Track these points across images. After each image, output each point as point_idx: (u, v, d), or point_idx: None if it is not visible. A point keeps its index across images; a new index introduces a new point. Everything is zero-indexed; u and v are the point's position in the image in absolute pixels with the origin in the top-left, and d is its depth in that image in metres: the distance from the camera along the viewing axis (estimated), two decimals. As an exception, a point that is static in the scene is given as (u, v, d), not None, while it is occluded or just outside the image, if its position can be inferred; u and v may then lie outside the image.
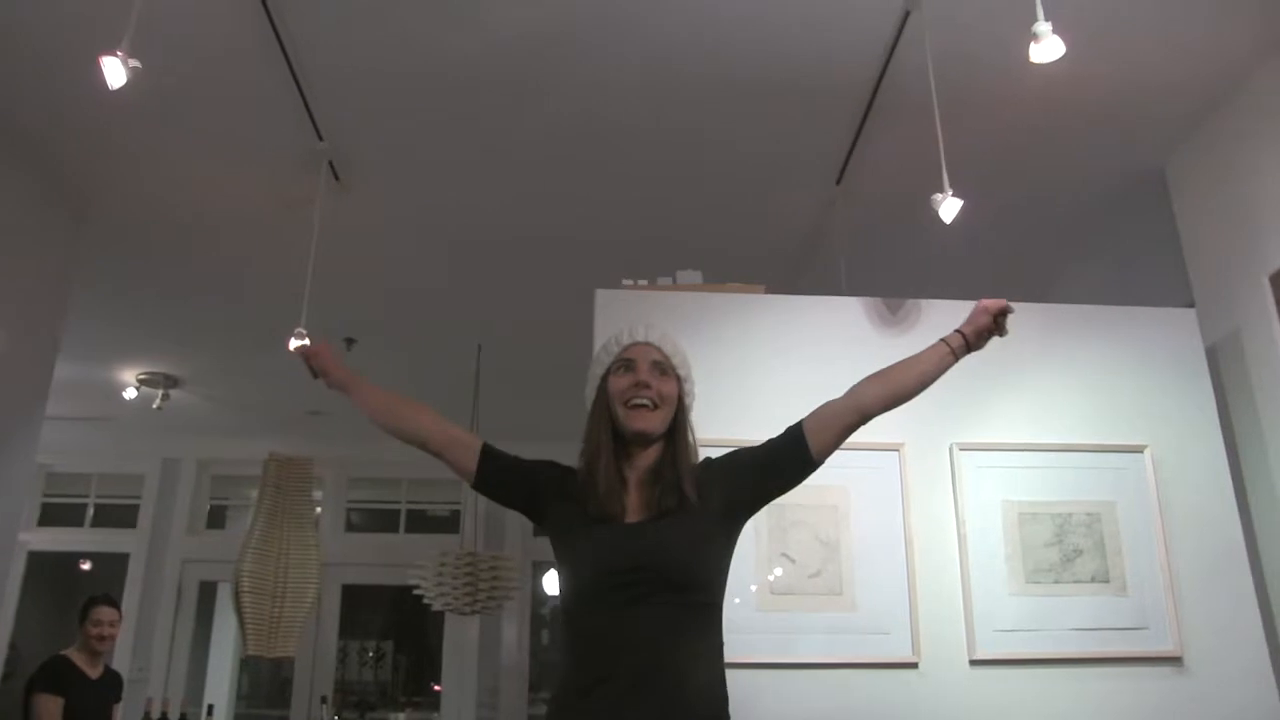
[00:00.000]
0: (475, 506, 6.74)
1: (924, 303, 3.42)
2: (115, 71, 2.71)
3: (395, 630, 8.01)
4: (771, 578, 3.00)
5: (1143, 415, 3.35)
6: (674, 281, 3.40)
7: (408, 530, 7.76)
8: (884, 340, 3.31)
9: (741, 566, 2.99)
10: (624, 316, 3.27)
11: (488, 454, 2.13)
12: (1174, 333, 3.49)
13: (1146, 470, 3.27)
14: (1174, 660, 3.09)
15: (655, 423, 2.05)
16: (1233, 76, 3.59)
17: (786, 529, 3.06)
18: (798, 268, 4.79)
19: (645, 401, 2.05)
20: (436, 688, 7.33)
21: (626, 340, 2.14)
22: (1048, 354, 3.41)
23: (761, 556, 3.04)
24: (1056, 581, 3.15)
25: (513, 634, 7.26)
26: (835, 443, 2.09)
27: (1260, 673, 3.10)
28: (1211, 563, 3.21)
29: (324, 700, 6.00)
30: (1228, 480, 3.32)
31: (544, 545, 7.46)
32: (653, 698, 1.86)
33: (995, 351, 3.33)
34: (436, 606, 5.33)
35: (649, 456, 2.07)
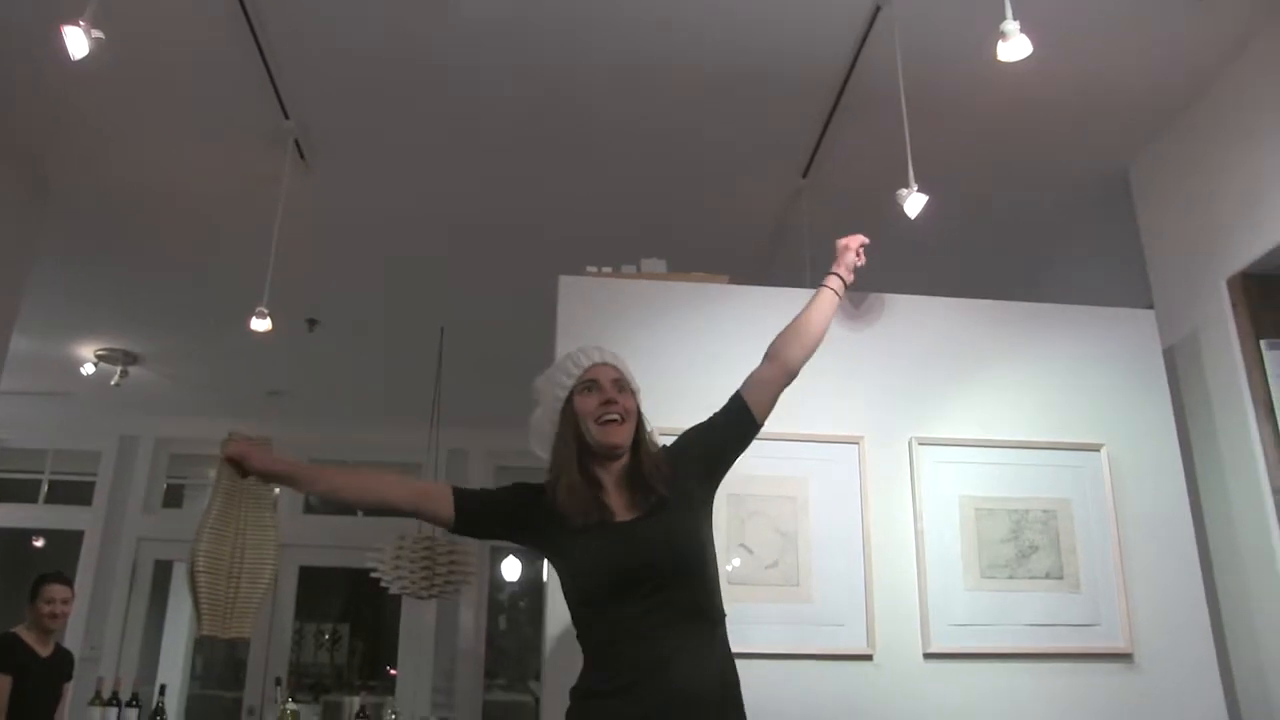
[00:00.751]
0: (436, 491, 6.71)
1: (887, 297, 3.43)
2: (78, 41, 2.66)
3: (352, 613, 7.97)
4: (729, 568, 3.01)
5: (1100, 414, 3.38)
6: (638, 270, 3.39)
7: (366, 513, 7.70)
8: (846, 333, 3.32)
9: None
10: (587, 303, 3.27)
11: (461, 496, 2.22)
12: (1133, 333, 3.52)
13: (1102, 469, 3.30)
14: (1124, 657, 3.12)
15: (625, 435, 2.21)
16: (1197, 81, 3.63)
17: (745, 519, 3.06)
18: (763, 259, 4.80)
19: (615, 416, 2.20)
20: (392, 671, 7.30)
21: (585, 363, 2.28)
22: (1007, 351, 3.44)
23: (719, 546, 3.04)
24: (1011, 577, 3.17)
25: (470, 619, 7.24)
26: (772, 404, 2.36)
27: (1207, 670, 3.14)
28: (1163, 562, 3.24)
29: (278, 682, 5.96)
30: (1181, 481, 3.36)
31: (504, 531, 7.48)
32: (677, 687, 1.99)
33: (956, 347, 3.39)
34: (393, 590, 5.31)
35: (619, 464, 2.22)
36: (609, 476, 2.21)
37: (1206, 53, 3.49)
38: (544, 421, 2.31)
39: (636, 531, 2.11)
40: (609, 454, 2.21)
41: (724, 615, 2.17)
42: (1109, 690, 3.09)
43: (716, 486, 2.32)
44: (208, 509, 5.79)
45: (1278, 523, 3.22)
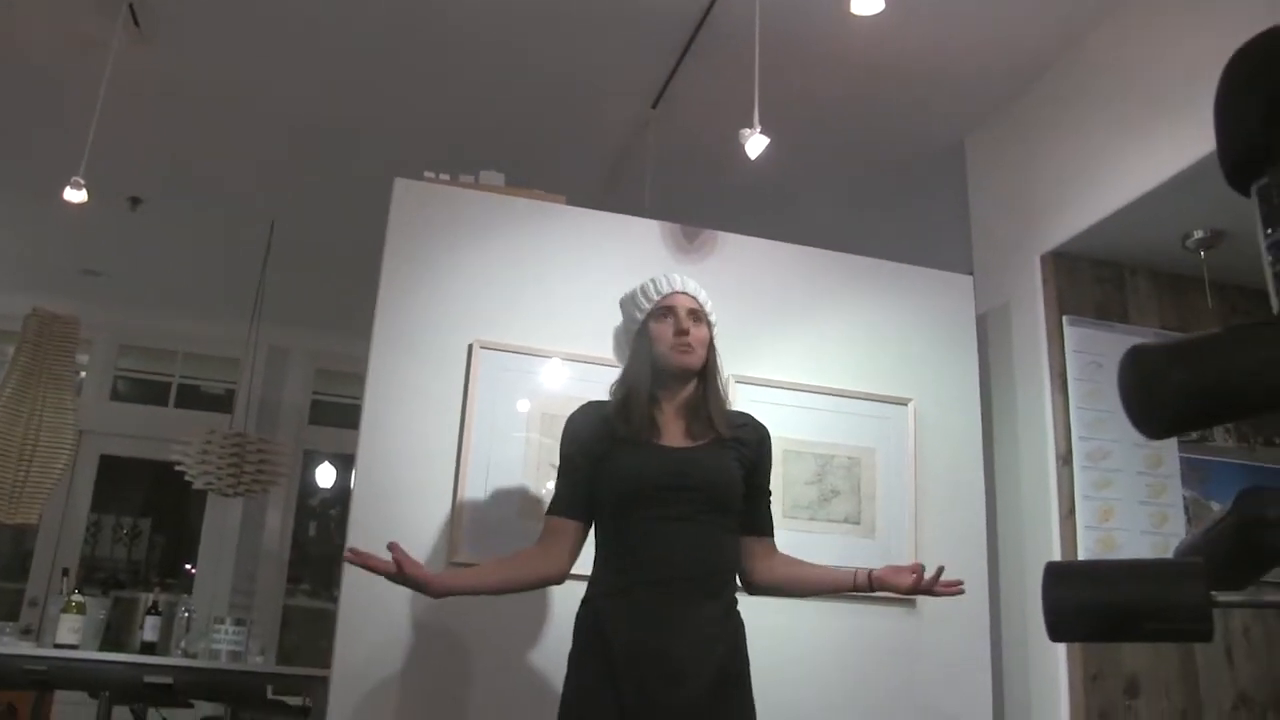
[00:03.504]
0: (250, 387, 6.51)
1: (720, 234, 3.46)
2: None
3: (155, 508, 7.68)
4: (544, 491, 3.01)
5: (911, 370, 3.52)
6: (476, 180, 3.32)
7: (178, 405, 7.40)
8: (678, 266, 3.34)
9: (510, 475, 3.02)
10: (421, 209, 3.19)
11: (574, 514, 2.33)
12: (951, 297, 3.66)
13: (908, 422, 3.44)
14: (908, 602, 3.29)
15: (696, 360, 2.35)
16: (1036, 66, 3.76)
17: (557, 441, 3.06)
18: (603, 184, 4.76)
19: (687, 346, 2.33)
20: (191, 570, 7.10)
21: (666, 289, 2.41)
22: (830, 300, 3.53)
23: (530, 465, 3.05)
24: (812, 519, 3.29)
25: (277, 521, 7.07)
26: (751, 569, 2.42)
27: (979, 619, 3.34)
28: (953, 515, 3.42)
29: (65, 573, 5.71)
30: (979, 441, 3.53)
31: (318, 435, 7.33)
32: (691, 606, 2.17)
33: (781, 291, 3.46)
34: (198, 485, 5.14)
35: (685, 392, 2.37)
36: (671, 403, 2.36)
37: (1048, 39, 3.62)
38: (622, 336, 2.50)
39: (681, 455, 2.28)
40: (679, 376, 2.35)
41: (734, 578, 2.33)
42: (891, 631, 3.25)
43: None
44: (1, 386, 5.50)
45: (1057, 488, 3.43)
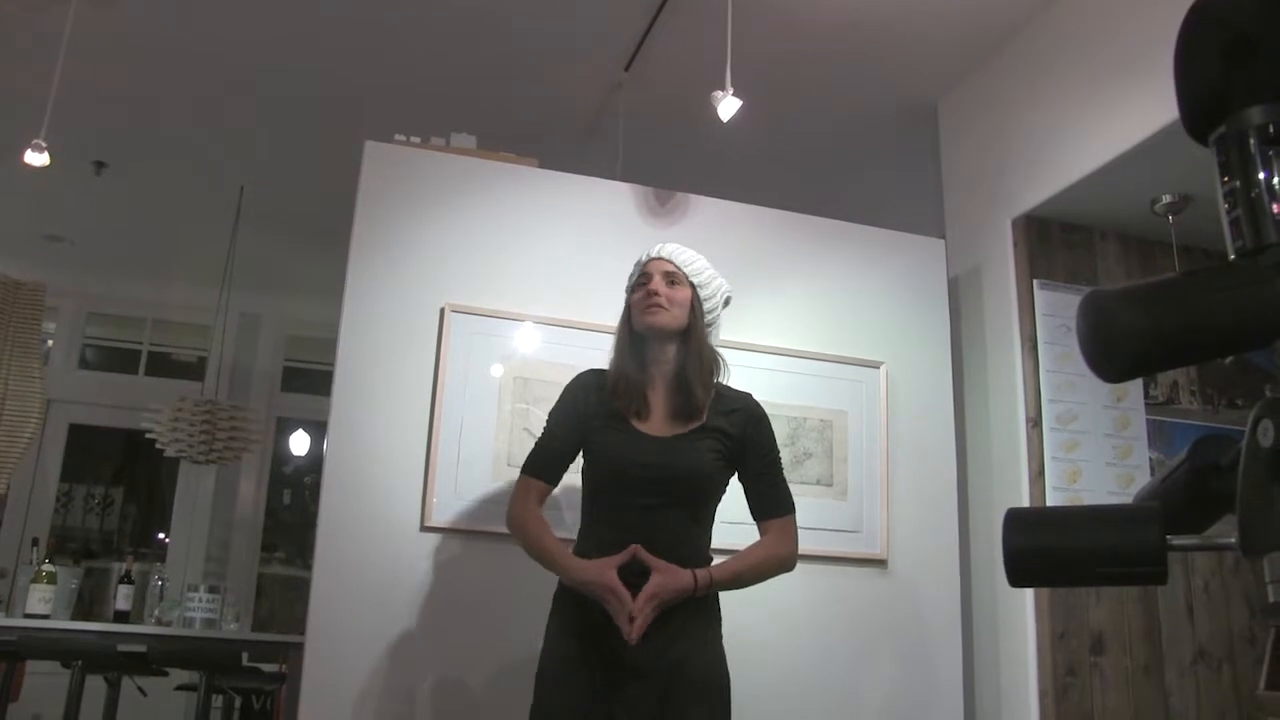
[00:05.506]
0: (221, 355, 6.46)
1: (693, 197, 3.46)
2: None
3: (126, 477, 7.63)
4: (518, 454, 3.00)
5: (883, 334, 3.54)
6: (447, 143, 3.30)
7: (148, 373, 7.34)
8: (648, 229, 3.33)
9: (483, 438, 3.01)
10: (392, 172, 3.17)
11: (547, 477, 2.40)
12: (923, 260, 3.68)
13: (880, 386, 3.46)
14: (880, 563, 3.33)
15: (665, 318, 2.36)
16: (1009, 27, 3.76)
17: (530, 405, 3.07)
18: (575, 147, 4.73)
19: (655, 304, 2.36)
20: (164, 539, 7.07)
21: (644, 259, 2.46)
22: (802, 263, 3.54)
23: (502, 429, 3.05)
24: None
25: (250, 489, 7.05)
26: None
27: (949, 578, 3.39)
28: (924, 479, 3.45)
29: (35, 543, 5.68)
30: (950, 404, 3.57)
31: (291, 403, 7.30)
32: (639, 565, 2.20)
33: (753, 254, 3.46)
34: (169, 452, 5.12)
35: (668, 356, 2.38)
36: (661, 377, 2.38)
37: (1020, 2, 3.62)
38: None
39: (662, 445, 2.30)
40: (656, 337, 2.37)
41: (709, 561, 2.33)
42: (863, 592, 3.29)
43: (731, 475, 2.43)
44: (-34, 354, 5.45)
45: (1027, 450, 3.46)
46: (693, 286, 2.41)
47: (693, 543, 2.31)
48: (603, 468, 2.32)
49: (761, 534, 2.40)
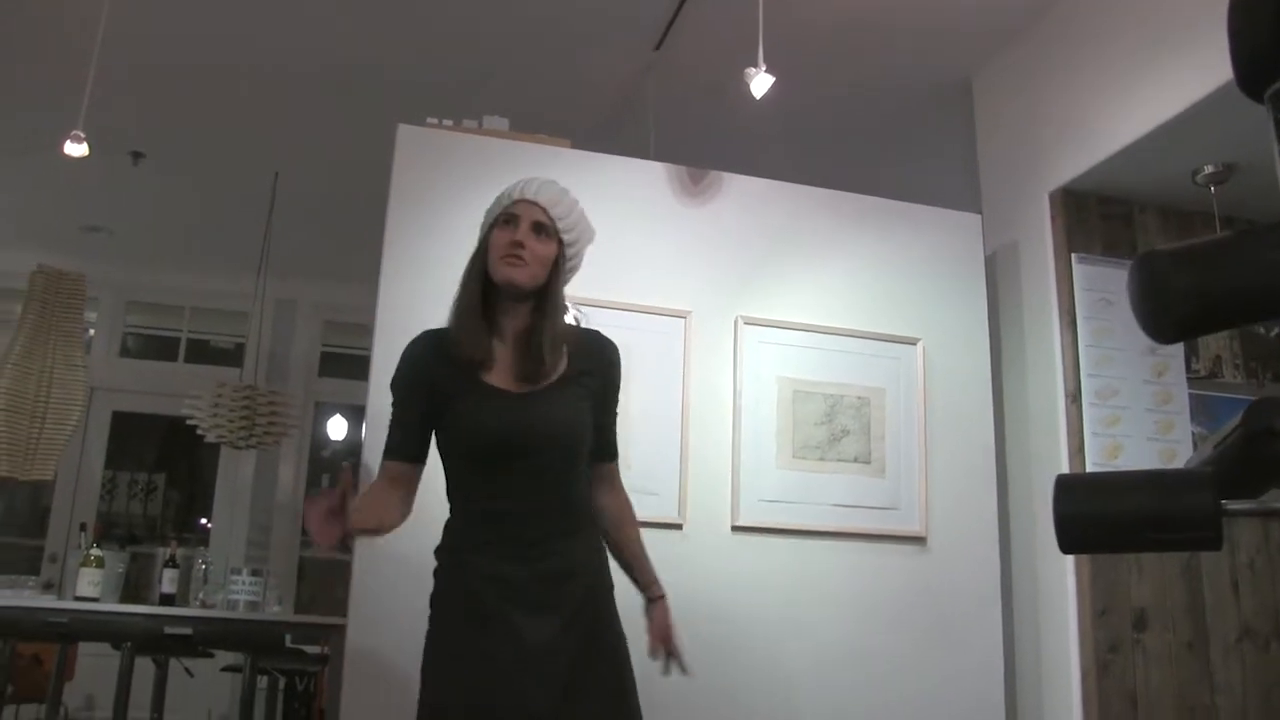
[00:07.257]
0: (259, 341, 6.52)
1: (726, 176, 3.44)
2: None
3: (168, 463, 7.73)
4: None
5: (920, 310, 3.51)
6: (480, 126, 3.30)
7: (188, 360, 7.42)
8: (683, 209, 3.32)
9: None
10: (425, 155, 3.17)
11: (411, 455, 2.16)
12: (959, 236, 3.65)
13: (917, 362, 3.44)
14: (919, 540, 3.32)
15: (525, 277, 2.08)
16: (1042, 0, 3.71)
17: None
18: (607, 127, 4.72)
19: (516, 260, 2.07)
20: (206, 523, 7.16)
21: (515, 195, 2.14)
22: (838, 241, 3.52)
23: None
24: (822, 459, 3.30)
25: (290, 474, 7.12)
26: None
27: (989, 556, 3.37)
28: (963, 455, 3.43)
29: (83, 528, 5.77)
30: (988, 380, 3.54)
31: (328, 387, 7.35)
32: (550, 546, 2.07)
33: (789, 232, 3.45)
34: (210, 438, 5.18)
35: (521, 315, 2.12)
36: (509, 327, 2.13)
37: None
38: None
39: (524, 404, 2.08)
40: (507, 292, 2.10)
41: (590, 509, 2.21)
42: (902, 569, 3.28)
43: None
44: (11, 345, 5.51)
45: (1066, 426, 3.43)
46: (561, 243, 2.14)
47: (582, 498, 2.18)
48: (469, 441, 2.09)
49: (596, 477, 2.23)
